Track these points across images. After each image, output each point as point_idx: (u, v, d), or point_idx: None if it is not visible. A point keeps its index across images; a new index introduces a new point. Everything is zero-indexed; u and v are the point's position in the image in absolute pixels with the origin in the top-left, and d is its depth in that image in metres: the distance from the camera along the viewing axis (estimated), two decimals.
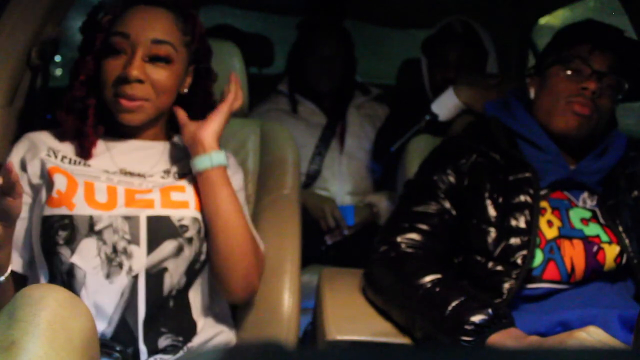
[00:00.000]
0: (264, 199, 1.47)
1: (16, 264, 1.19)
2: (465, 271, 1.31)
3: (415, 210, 1.36)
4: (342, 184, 2.20)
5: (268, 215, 1.42)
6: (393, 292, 1.26)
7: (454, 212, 1.35)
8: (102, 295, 1.15)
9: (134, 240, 1.18)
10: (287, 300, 1.36)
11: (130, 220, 1.18)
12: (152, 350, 1.18)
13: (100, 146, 1.28)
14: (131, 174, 1.26)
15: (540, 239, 1.27)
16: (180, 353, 1.21)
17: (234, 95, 1.31)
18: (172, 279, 1.20)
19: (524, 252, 1.25)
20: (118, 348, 1.14)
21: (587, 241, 1.28)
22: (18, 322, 0.84)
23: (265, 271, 1.39)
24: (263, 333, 1.34)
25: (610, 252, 1.27)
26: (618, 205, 1.33)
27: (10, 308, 0.87)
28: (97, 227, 1.17)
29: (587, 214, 1.32)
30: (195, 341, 1.24)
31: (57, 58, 2.39)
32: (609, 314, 1.18)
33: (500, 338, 1.09)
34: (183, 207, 1.23)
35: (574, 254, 1.27)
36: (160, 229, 1.19)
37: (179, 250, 1.20)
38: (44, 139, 1.27)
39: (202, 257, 1.24)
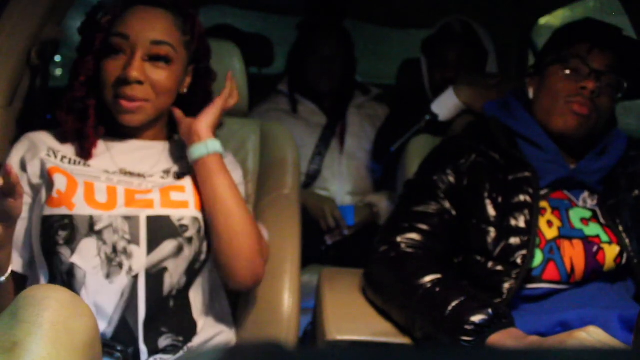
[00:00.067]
0: (264, 199, 1.47)
1: (16, 264, 1.19)
2: (465, 271, 1.31)
3: (415, 210, 1.36)
4: (342, 184, 2.20)
5: (268, 215, 1.42)
6: (393, 292, 1.26)
7: (453, 212, 1.35)
8: (102, 295, 1.15)
9: (134, 240, 1.18)
10: (287, 300, 1.36)
11: (130, 220, 1.18)
12: (153, 350, 1.18)
13: (100, 146, 1.28)
14: (131, 174, 1.26)
15: (540, 239, 1.27)
16: (181, 353, 1.21)
17: (229, 92, 1.34)
18: (172, 278, 1.20)
19: (524, 251, 1.25)
20: (119, 348, 1.14)
21: (587, 241, 1.28)
22: (21, 323, 0.84)
23: (265, 271, 1.39)
24: (263, 333, 1.34)
25: (610, 253, 1.27)
26: (618, 205, 1.33)
27: (13, 309, 0.87)
28: (97, 227, 1.17)
29: (588, 214, 1.32)
30: (196, 341, 1.24)
31: (57, 58, 2.39)
32: (608, 314, 1.18)
33: (500, 338, 1.09)
34: (183, 206, 1.23)
35: (573, 254, 1.27)
36: (160, 229, 1.19)
37: (179, 250, 1.20)
38: (44, 139, 1.27)
39: (202, 256, 1.24)
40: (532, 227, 1.26)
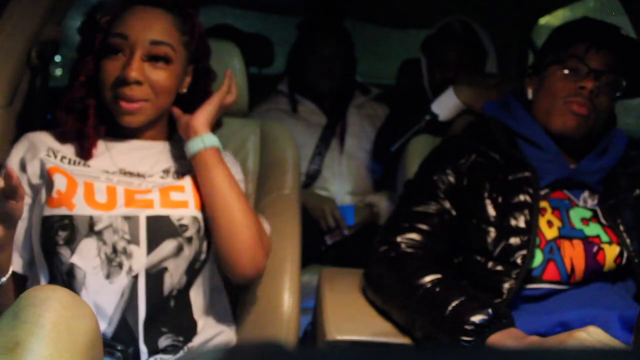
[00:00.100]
0: (264, 199, 1.47)
1: (16, 264, 1.19)
2: (465, 271, 1.31)
3: (415, 210, 1.36)
4: (342, 184, 2.20)
5: (268, 216, 1.42)
6: (393, 292, 1.26)
7: (453, 212, 1.35)
8: (102, 296, 1.15)
9: (134, 240, 1.18)
10: (287, 300, 1.36)
11: (130, 220, 1.18)
12: (153, 350, 1.18)
13: (100, 146, 1.28)
14: (131, 174, 1.26)
15: (540, 239, 1.27)
16: (181, 353, 1.21)
17: (227, 89, 1.35)
18: (173, 278, 1.20)
19: (524, 251, 1.25)
20: (119, 348, 1.14)
21: (587, 241, 1.28)
22: (22, 324, 0.84)
23: (265, 271, 1.39)
24: (263, 333, 1.34)
25: (610, 253, 1.27)
26: (619, 205, 1.33)
27: (15, 309, 0.87)
28: (97, 227, 1.17)
29: (588, 214, 1.32)
30: (196, 341, 1.24)
31: (57, 58, 2.39)
32: (609, 314, 1.18)
33: (500, 338, 1.09)
34: (182, 206, 1.23)
35: (574, 255, 1.27)
36: (160, 229, 1.19)
37: (179, 249, 1.20)
38: (43, 139, 1.27)
39: (202, 256, 1.24)
40: (532, 227, 1.26)
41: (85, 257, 1.16)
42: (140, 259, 1.17)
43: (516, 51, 2.52)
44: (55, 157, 1.24)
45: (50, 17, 1.37)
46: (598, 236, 1.29)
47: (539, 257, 1.26)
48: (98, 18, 1.25)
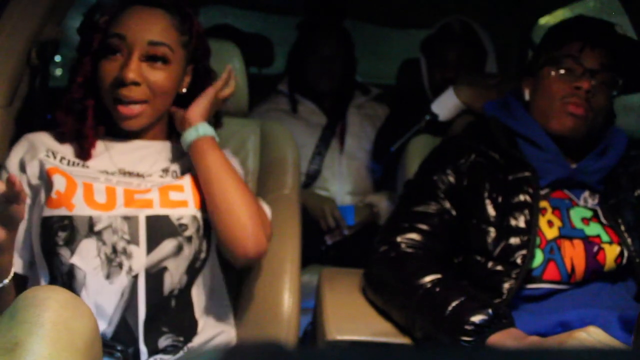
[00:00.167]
0: (264, 199, 1.47)
1: (16, 264, 1.19)
2: (465, 271, 1.31)
3: (415, 210, 1.36)
4: (342, 184, 2.20)
5: None
6: (393, 292, 1.26)
7: (453, 212, 1.35)
8: (103, 296, 1.15)
9: (134, 240, 1.18)
10: (287, 300, 1.36)
11: (130, 220, 1.18)
12: (153, 350, 1.18)
13: (99, 147, 1.28)
14: (130, 174, 1.26)
15: (540, 239, 1.27)
16: (181, 353, 1.21)
17: (223, 83, 1.35)
18: (173, 278, 1.20)
19: (524, 251, 1.25)
20: (119, 348, 1.14)
21: (588, 241, 1.28)
22: (22, 324, 0.84)
23: (265, 271, 1.39)
24: (263, 333, 1.34)
25: (611, 253, 1.27)
26: (620, 204, 1.33)
27: (13, 310, 0.87)
28: (97, 228, 1.17)
29: (588, 213, 1.32)
30: (196, 341, 1.24)
31: (57, 58, 2.39)
32: (609, 314, 1.18)
33: (500, 338, 1.09)
34: (182, 206, 1.23)
35: (574, 255, 1.26)
36: (160, 229, 1.19)
37: (179, 249, 1.20)
38: (43, 140, 1.27)
39: (202, 255, 1.24)
40: (532, 227, 1.26)
41: (85, 257, 1.16)
42: (140, 259, 1.17)
43: (516, 51, 2.52)
44: (55, 157, 1.24)
45: (50, 17, 1.37)
46: (598, 236, 1.29)
47: (539, 257, 1.26)
48: (97, 18, 1.25)
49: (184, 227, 1.21)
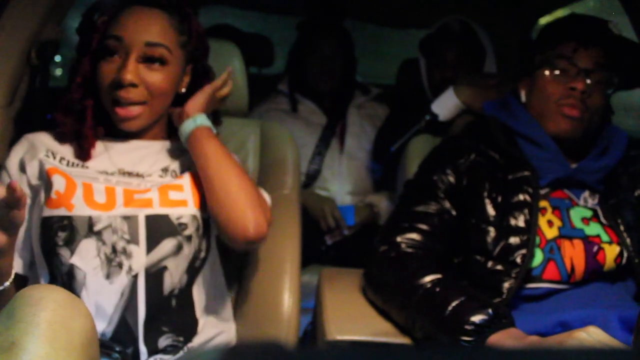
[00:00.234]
0: None
1: (16, 265, 1.19)
2: (465, 271, 1.31)
3: (415, 210, 1.36)
4: (342, 184, 2.20)
5: None
6: (393, 292, 1.26)
7: (453, 212, 1.35)
8: (102, 296, 1.15)
9: (133, 240, 1.18)
10: (287, 300, 1.36)
11: (129, 220, 1.18)
12: (152, 350, 1.18)
13: (99, 147, 1.28)
14: (130, 174, 1.26)
15: (540, 238, 1.27)
16: (180, 353, 1.21)
17: (221, 82, 1.35)
18: (173, 277, 1.20)
19: (524, 251, 1.25)
20: (118, 348, 1.14)
21: (588, 241, 1.28)
22: (18, 323, 0.84)
23: (265, 271, 1.39)
24: (263, 333, 1.34)
25: (611, 252, 1.27)
26: (619, 204, 1.33)
27: (10, 309, 0.87)
28: (96, 228, 1.17)
29: (588, 213, 1.32)
30: (196, 341, 1.24)
31: (57, 58, 2.39)
32: (609, 314, 1.18)
33: (500, 338, 1.09)
34: (181, 205, 1.23)
35: (574, 254, 1.26)
36: (159, 228, 1.19)
37: (179, 248, 1.20)
38: (42, 140, 1.27)
39: (202, 254, 1.24)
40: (531, 227, 1.26)
41: (85, 257, 1.16)
42: (139, 259, 1.17)
43: (516, 51, 2.51)
44: (54, 158, 1.24)
45: (50, 17, 1.37)
46: (598, 236, 1.29)
47: (538, 257, 1.26)
48: (95, 19, 1.24)
49: (183, 226, 1.21)
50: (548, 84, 1.33)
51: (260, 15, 3.29)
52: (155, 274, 1.18)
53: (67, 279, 1.16)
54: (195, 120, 1.27)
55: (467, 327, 1.11)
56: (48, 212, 1.17)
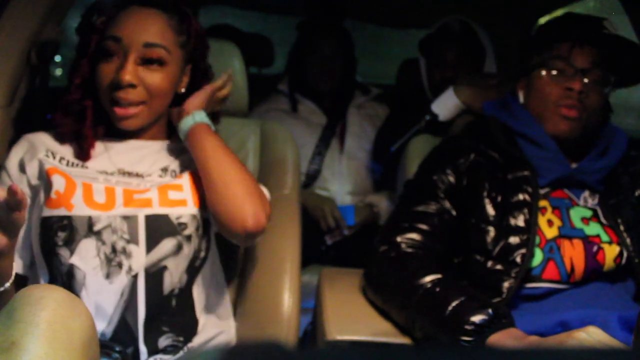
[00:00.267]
0: None
1: (16, 265, 1.18)
2: (465, 271, 1.31)
3: (415, 210, 1.36)
4: (342, 184, 2.20)
5: None
6: (393, 292, 1.26)
7: (453, 212, 1.35)
8: (102, 296, 1.15)
9: (133, 240, 1.18)
10: (287, 300, 1.36)
11: (129, 219, 1.18)
12: (152, 350, 1.18)
13: (99, 147, 1.28)
14: (129, 174, 1.26)
15: (540, 238, 1.27)
16: (180, 353, 1.21)
17: (221, 83, 1.36)
18: (173, 277, 1.20)
19: (523, 250, 1.25)
20: (117, 348, 1.14)
21: (587, 241, 1.28)
22: (18, 323, 0.84)
23: (265, 271, 1.39)
24: (263, 333, 1.34)
25: (610, 252, 1.27)
26: (620, 204, 1.33)
27: (10, 309, 0.87)
28: (96, 228, 1.17)
29: (588, 213, 1.32)
30: (196, 341, 1.24)
31: (57, 58, 2.39)
32: (608, 314, 1.18)
33: (500, 338, 1.09)
34: (181, 205, 1.23)
35: (573, 254, 1.27)
36: (159, 228, 1.19)
37: (178, 248, 1.20)
38: (42, 140, 1.27)
39: (202, 254, 1.24)
40: (531, 226, 1.26)
41: (85, 257, 1.16)
42: (139, 258, 1.17)
43: (516, 51, 2.51)
44: (54, 158, 1.24)
45: (50, 17, 1.37)
46: (598, 236, 1.29)
47: (538, 256, 1.26)
48: (94, 19, 1.24)
49: (183, 226, 1.21)
50: (545, 84, 1.33)
51: (260, 15, 3.30)
52: (155, 274, 1.18)
53: (66, 279, 1.16)
54: (194, 116, 1.27)
55: (467, 327, 1.11)
56: (48, 212, 1.17)
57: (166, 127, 1.34)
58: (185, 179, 1.27)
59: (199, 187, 1.25)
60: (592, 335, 0.98)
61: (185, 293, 1.22)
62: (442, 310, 1.15)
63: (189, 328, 1.23)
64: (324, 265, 1.87)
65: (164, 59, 1.22)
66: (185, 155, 1.30)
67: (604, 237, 1.28)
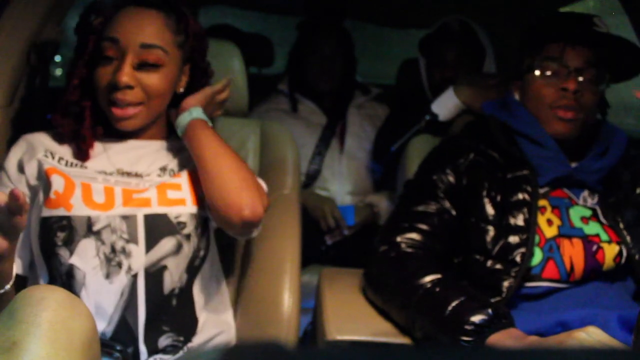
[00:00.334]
0: None
1: (16, 265, 1.18)
2: (465, 270, 1.31)
3: (415, 210, 1.36)
4: (342, 184, 2.20)
5: (268, 216, 1.42)
6: (393, 292, 1.26)
7: (453, 212, 1.35)
8: (102, 295, 1.15)
9: (132, 239, 1.18)
10: (287, 300, 1.36)
11: (128, 219, 1.18)
12: (152, 350, 1.18)
13: (98, 147, 1.28)
14: (128, 174, 1.26)
15: (539, 237, 1.27)
16: (180, 353, 1.21)
17: (221, 87, 1.37)
18: (173, 276, 1.20)
19: (523, 249, 1.25)
20: (118, 348, 1.14)
21: (587, 240, 1.28)
22: (19, 323, 0.84)
23: (265, 271, 1.39)
24: (263, 333, 1.34)
25: (610, 252, 1.27)
26: (620, 203, 1.33)
27: (11, 309, 0.87)
28: (95, 228, 1.17)
29: (588, 212, 1.32)
30: (196, 341, 1.24)
31: (57, 58, 2.39)
32: (608, 314, 1.18)
33: (500, 338, 1.09)
34: (180, 204, 1.23)
35: (573, 253, 1.27)
36: (158, 227, 1.19)
37: (178, 247, 1.20)
38: (41, 140, 1.27)
39: (202, 252, 1.24)
40: (530, 225, 1.26)
41: (84, 257, 1.16)
42: (139, 258, 1.17)
43: (516, 51, 2.51)
44: (53, 158, 1.24)
45: (50, 17, 1.37)
46: (597, 235, 1.29)
47: (538, 256, 1.26)
48: (91, 19, 1.24)
49: (182, 225, 1.21)
50: (540, 86, 1.34)
51: (260, 15, 3.30)
52: (154, 273, 1.18)
53: (66, 279, 1.16)
54: (191, 112, 1.27)
55: (467, 327, 1.11)
56: (47, 212, 1.17)
57: (165, 126, 1.34)
58: (184, 178, 1.27)
59: (197, 186, 1.25)
60: (592, 335, 0.98)
61: (185, 292, 1.22)
62: (442, 310, 1.15)
63: (189, 328, 1.23)
64: (324, 265, 1.88)
65: (161, 60, 1.22)
66: (183, 154, 1.30)
67: (604, 237, 1.29)
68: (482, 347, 0.98)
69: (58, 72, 2.74)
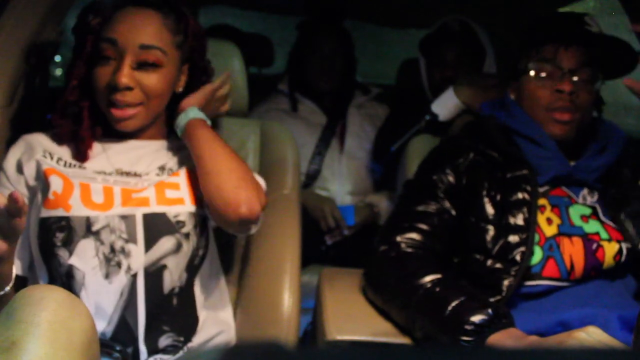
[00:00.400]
0: None
1: (15, 266, 1.18)
2: (465, 270, 1.31)
3: (415, 210, 1.36)
4: (342, 183, 2.20)
5: (268, 215, 1.42)
6: (393, 292, 1.26)
7: (453, 212, 1.35)
8: (102, 296, 1.15)
9: (131, 239, 1.18)
10: (287, 300, 1.36)
11: (127, 219, 1.18)
12: (152, 350, 1.18)
13: (96, 148, 1.28)
14: (127, 173, 1.26)
15: (539, 236, 1.27)
16: (180, 353, 1.21)
17: (220, 84, 1.36)
18: (173, 276, 1.20)
19: (523, 249, 1.25)
20: (117, 348, 1.14)
21: (587, 239, 1.28)
22: (18, 323, 0.84)
23: (265, 271, 1.39)
24: (263, 333, 1.34)
25: (610, 250, 1.28)
26: (621, 197, 1.33)
27: (10, 309, 0.87)
28: (94, 228, 1.17)
29: (587, 211, 1.32)
30: (196, 341, 1.24)
31: (57, 58, 2.39)
32: (608, 314, 1.18)
33: (500, 338, 1.09)
34: (178, 203, 1.23)
35: (573, 252, 1.27)
36: (157, 226, 1.19)
37: (177, 246, 1.20)
38: (40, 140, 1.27)
39: (201, 251, 1.24)
40: (530, 224, 1.26)
41: (84, 257, 1.15)
42: (138, 258, 1.17)
43: (516, 51, 2.51)
44: (52, 158, 1.24)
45: (50, 17, 1.37)
46: (597, 233, 1.29)
47: (538, 254, 1.26)
48: (89, 20, 1.24)
49: (181, 224, 1.21)
50: (535, 88, 1.34)
51: (260, 15, 3.30)
52: (154, 273, 1.18)
53: (66, 280, 1.16)
54: (188, 113, 1.28)
55: (467, 327, 1.11)
56: (46, 213, 1.17)
57: (164, 126, 1.34)
58: (182, 177, 1.27)
59: (196, 185, 1.25)
60: (592, 335, 0.98)
61: (185, 292, 1.22)
62: (442, 310, 1.15)
63: (189, 327, 1.23)
64: (324, 265, 1.88)
65: (160, 61, 1.22)
66: (182, 153, 1.30)
67: (603, 235, 1.29)
68: (482, 347, 0.98)
69: (58, 72, 2.74)
